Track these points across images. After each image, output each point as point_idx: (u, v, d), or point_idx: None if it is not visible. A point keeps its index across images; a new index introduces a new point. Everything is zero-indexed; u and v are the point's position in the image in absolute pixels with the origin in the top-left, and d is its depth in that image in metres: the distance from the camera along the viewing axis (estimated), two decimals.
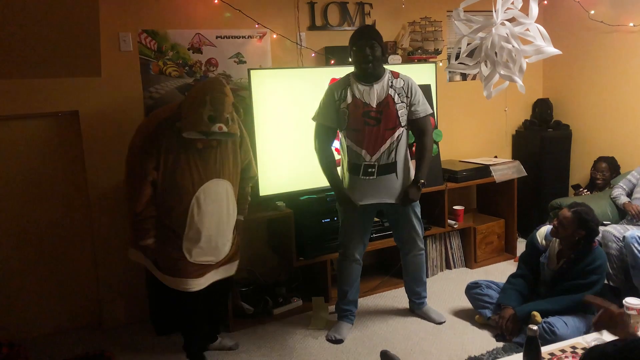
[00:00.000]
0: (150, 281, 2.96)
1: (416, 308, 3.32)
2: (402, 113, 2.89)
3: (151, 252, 2.59)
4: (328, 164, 2.96)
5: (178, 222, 2.54)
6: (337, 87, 2.92)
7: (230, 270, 2.80)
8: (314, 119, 2.99)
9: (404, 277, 3.31)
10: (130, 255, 2.72)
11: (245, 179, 2.84)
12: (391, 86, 2.89)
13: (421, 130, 2.98)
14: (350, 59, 2.94)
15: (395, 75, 2.95)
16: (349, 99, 2.86)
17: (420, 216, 3.16)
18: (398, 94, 2.89)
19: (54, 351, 3.03)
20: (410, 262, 3.22)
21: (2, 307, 3.15)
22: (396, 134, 2.88)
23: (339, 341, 3.03)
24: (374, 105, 2.85)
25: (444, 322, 3.21)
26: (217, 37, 3.41)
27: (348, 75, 2.96)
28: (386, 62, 3.76)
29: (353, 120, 2.85)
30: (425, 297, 3.32)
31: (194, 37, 3.34)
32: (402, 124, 2.90)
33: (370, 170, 2.88)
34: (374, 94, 2.86)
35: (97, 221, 3.26)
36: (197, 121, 2.44)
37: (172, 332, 3.17)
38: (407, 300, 3.38)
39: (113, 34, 3.14)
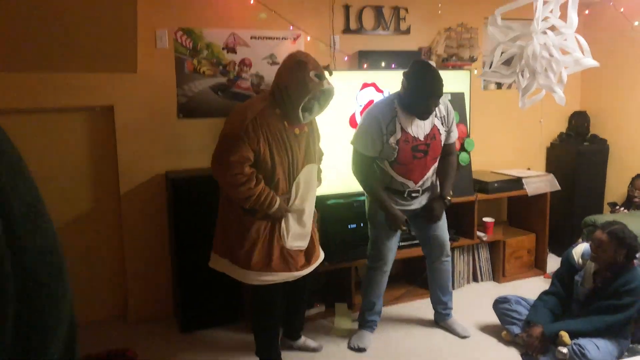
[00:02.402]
0: (181, 276, 2.95)
1: (441, 319, 3.25)
2: (445, 141, 2.92)
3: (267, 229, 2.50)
4: (373, 188, 2.88)
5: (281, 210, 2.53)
6: (384, 118, 2.77)
7: (317, 258, 2.76)
8: (352, 143, 2.87)
9: (430, 286, 3.25)
10: (215, 264, 2.63)
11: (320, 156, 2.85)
12: (436, 116, 2.85)
13: (449, 152, 3.00)
14: (403, 90, 2.78)
15: None
16: (399, 134, 2.77)
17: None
18: (442, 123, 2.88)
19: (80, 342, 3.07)
20: (437, 269, 3.16)
21: None
22: (437, 161, 2.92)
23: (361, 350, 2.99)
24: (422, 139, 2.82)
25: (469, 336, 3.14)
26: (251, 38, 3.42)
27: (392, 101, 2.82)
28: None
29: (402, 156, 2.79)
30: (451, 308, 3.25)
31: (228, 36, 3.36)
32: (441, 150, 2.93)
33: (414, 194, 2.92)
34: (422, 127, 2.82)
35: (126, 215, 3.29)
36: (308, 88, 2.38)
37: (196, 329, 3.18)
38: (432, 311, 3.31)
39: (150, 31, 3.17)
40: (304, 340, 2.99)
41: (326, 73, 2.55)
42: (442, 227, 3.08)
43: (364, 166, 2.86)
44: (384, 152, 2.80)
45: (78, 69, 3.02)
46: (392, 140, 2.76)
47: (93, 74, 3.07)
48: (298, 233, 2.61)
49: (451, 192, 3.00)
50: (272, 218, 2.51)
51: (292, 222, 2.58)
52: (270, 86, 2.60)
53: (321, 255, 2.82)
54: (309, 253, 2.70)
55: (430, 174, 2.91)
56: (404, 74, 2.77)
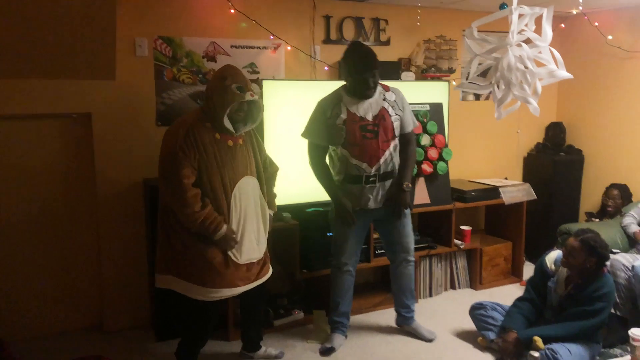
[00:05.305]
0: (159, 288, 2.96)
1: (405, 323, 3.29)
2: (397, 125, 2.95)
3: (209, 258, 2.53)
4: (326, 176, 2.98)
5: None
6: (328, 104, 2.91)
7: (268, 269, 2.81)
8: (303, 135, 2.98)
9: (394, 290, 3.28)
10: (159, 283, 2.65)
11: (271, 174, 2.89)
12: (384, 99, 2.93)
13: (408, 140, 3.07)
14: (343, 78, 2.93)
15: (386, 88, 2.99)
16: (344, 115, 2.86)
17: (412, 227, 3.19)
18: (392, 107, 2.93)
19: (53, 352, 3.04)
20: (401, 273, 3.20)
21: (3, 306, 3.17)
22: (392, 145, 2.94)
23: (330, 350, 3.01)
24: (370, 119, 2.87)
25: (435, 338, 3.19)
26: (231, 47, 3.44)
27: (338, 90, 2.95)
28: (399, 79, 3.79)
29: (351, 135, 2.85)
30: (414, 311, 3.29)
31: (208, 45, 3.38)
32: (397, 135, 2.96)
33: (372, 179, 2.91)
34: (368, 108, 2.88)
35: (103, 223, 3.27)
36: (229, 98, 2.49)
37: (172, 337, 3.16)
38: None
39: (129, 38, 3.18)
40: (264, 350, 2.99)
41: (255, 87, 2.70)
42: (407, 232, 3.13)
43: (317, 157, 2.97)
44: (333, 135, 2.87)
45: (55, 76, 3.01)
46: (338, 121, 2.85)
47: (70, 80, 3.06)
48: (250, 245, 2.63)
49: (409, 180, 3.01)
50: (220, 244, 2.53)
51: (242, 235, 2.60)
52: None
53: (270, 270, 2.82)
54: (261, 263, 2.73)
55: (387, 159, 2.90)
56: (341, 59, 2.91)
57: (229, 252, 2.57)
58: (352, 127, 2.85)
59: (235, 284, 2.59)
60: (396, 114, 2.93)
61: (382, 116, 2.88)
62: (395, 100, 2.95)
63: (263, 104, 2.69)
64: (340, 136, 2.86)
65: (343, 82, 3.52)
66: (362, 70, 2.81)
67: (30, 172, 3.17)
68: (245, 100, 2.54)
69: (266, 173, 2.86)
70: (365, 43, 3.80)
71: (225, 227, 2.51)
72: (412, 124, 3.07)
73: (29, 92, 3.00)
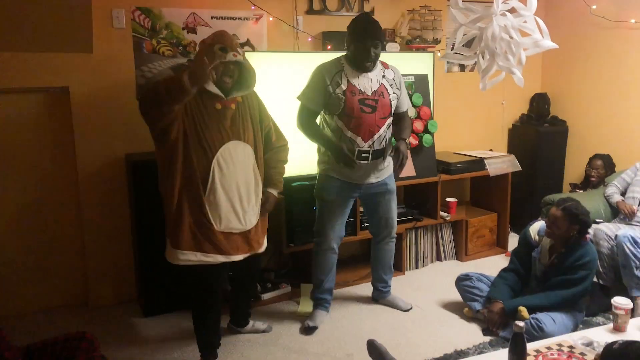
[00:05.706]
0: (144, 260, 2.93)
1: (381, 297, 3.32)
2: (394, 104, 2.94)
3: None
4: (315, 131, 2.92)
5: (201, 186, 2.44)
6: (329, 71, 2.85)
7: (259, 246, 2.70)
8: (299, 98, 2.92)
9: (374, 265, 3.30)
10: (173, 260, 2.52)
11: (278, 148, 2.79)
12: (384, 76, 2.91)
13: (403, 116, 3.08)
14: (346, 46, 2.88)
15: (385, 65, 2.97)
16: (344, 85, 2.82)
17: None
18: (390, 85, 2.92)
19: (37, 329, 3.01)
20: (382, 249, 3.22)
21: None
22: (387, 122, 2.92)
23: (312, 329, 3.01)
24: (369, 94, 2.84)
25: (412, 308, 3.24)
26: (212, 18, 3.35)
27: (340, 59, 2.91)
28: (383, 50, 3.73)
29: (349, 107, 2.81)
30: (390, 285, 3.33)
31: (188, 16, 3.28)
32: (392, 113, 2.95)
33: (364, 155, 2.88)
34: (369, 83, 2.86)
35: (85, 199, 3.22)
36: (209, 58, 2.35)
37: (159, 313, 3.15)
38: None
39: (106, 10, 3.07)
40: (252, 324, 2.99)
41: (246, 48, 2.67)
42: (392, 208, 3.14)
43: (307, 118, 2.91)
44: (330, 104, 2.83)
45: (31, 49, 2.90)
46: (338, 90, 2.81)
47: (46, 54, 2.95)
48: (230, 214, 2.52)
49: (408, 137, 3.00)
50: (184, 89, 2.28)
51: (222, 201, 2.48)
52: None
53: (263, 245, 2.73)
54: (248, 238, 2.62)
55: (380, 136, 2.88)
56: (347, 27, 2.87)
57: (209, 216, 2.46)
58: (351, 99, 2.81)
59: (209, 251, 2.49)
60: (394, 92, 2.92)
61: (381, 92, 2.87)
62: (393, 79, 2.94)
63: (254, 68, 2.57)
64: (338, 106, 2.81)
65: (328, 53, 3.50)
66: (365, 37, 2.76)
67: (9, 148, 3.08)
68: (229, 61, 2.43)
69: (270, 146, 2.76)
70: (348, 14, 3.76)
71: (186, 77, 2.26)
72: (407, 104, 3.08)
73: (3, 67, 2.89)
